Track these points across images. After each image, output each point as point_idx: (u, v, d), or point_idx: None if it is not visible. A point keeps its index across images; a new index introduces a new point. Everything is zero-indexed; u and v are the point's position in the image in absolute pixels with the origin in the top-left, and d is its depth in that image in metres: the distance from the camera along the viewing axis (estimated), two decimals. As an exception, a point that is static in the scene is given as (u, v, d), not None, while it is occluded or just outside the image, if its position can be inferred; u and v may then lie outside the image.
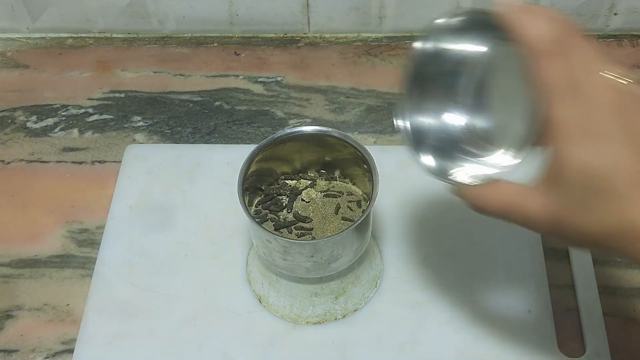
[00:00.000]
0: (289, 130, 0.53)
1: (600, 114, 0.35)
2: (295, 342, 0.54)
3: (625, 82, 0.36)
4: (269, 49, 0.76)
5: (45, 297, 0.58)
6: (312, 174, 0.57)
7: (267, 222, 0.54)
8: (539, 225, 0.38)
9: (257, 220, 0.50)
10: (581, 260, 0.58)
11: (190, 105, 0.71)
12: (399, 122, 0.44)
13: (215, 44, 0.77)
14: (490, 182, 0.41)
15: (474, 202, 0.41)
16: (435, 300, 0.56)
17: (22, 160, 0.67)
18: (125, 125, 0.69)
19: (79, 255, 0.60)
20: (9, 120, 0.70)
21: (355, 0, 0.73)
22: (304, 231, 0.53)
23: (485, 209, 0.41)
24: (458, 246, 0.59)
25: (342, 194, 0.55)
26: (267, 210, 0.54)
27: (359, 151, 0.52)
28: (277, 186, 0.56)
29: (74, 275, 0.59)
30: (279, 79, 0.73)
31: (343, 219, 0.53)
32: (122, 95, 0.72)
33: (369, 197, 0.52)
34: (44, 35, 0.78)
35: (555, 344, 0.53)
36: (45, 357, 0.54)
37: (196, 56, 0.76)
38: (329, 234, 0.52)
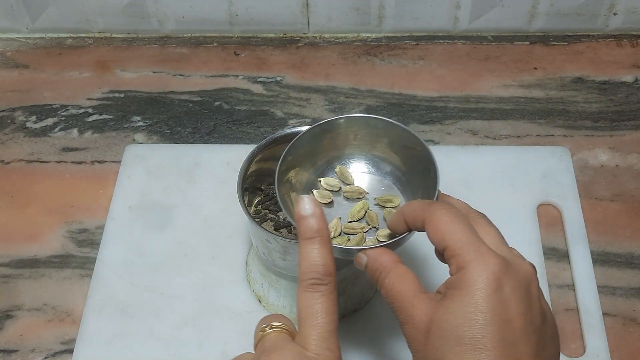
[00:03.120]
0: (288, 131, 0.53)
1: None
2: (295, 342, 0.54)
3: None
4: (269, 49, 0.76)
5: (44, 297, 0.58)
6: (311, 174, 0.57)
7: (266, 222, 0.53)
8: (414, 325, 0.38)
9: (256, 220, 0.50)
10: (581, 261, 0.58)
11: (190, 105, 0.71)
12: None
13: (215, 44, 0.77)
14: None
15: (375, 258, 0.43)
16: (435, 300, 0.56)
17: (21, 160, 0.67)
18: (125, 125, 0.69)
19: (79, 255, 0.60)
20: (9, 120, 0.70)
21: (355, 0, 0.73)
22: (303, 231, 0.52)
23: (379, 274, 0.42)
24: (458, 246, 0.59)
25: (342, 194, 0.55)
26: (267, 210, 0.54)
27: (359, 151, 0.52)
28: (276, 186, 0.56)
29: (73, 275, 0.59)
30: (278, 79, 0.73)
31: (343, 218, 0.53)
32: (122, 95, 0.72)
33: (369, 197, 0.52)
34: (43, 35, 0.78)
35: (555, 344, 0.53)
36: (45, 357, 0.54)
37: (196, 56, 0.76)
38: (329, 234, 0.52)
